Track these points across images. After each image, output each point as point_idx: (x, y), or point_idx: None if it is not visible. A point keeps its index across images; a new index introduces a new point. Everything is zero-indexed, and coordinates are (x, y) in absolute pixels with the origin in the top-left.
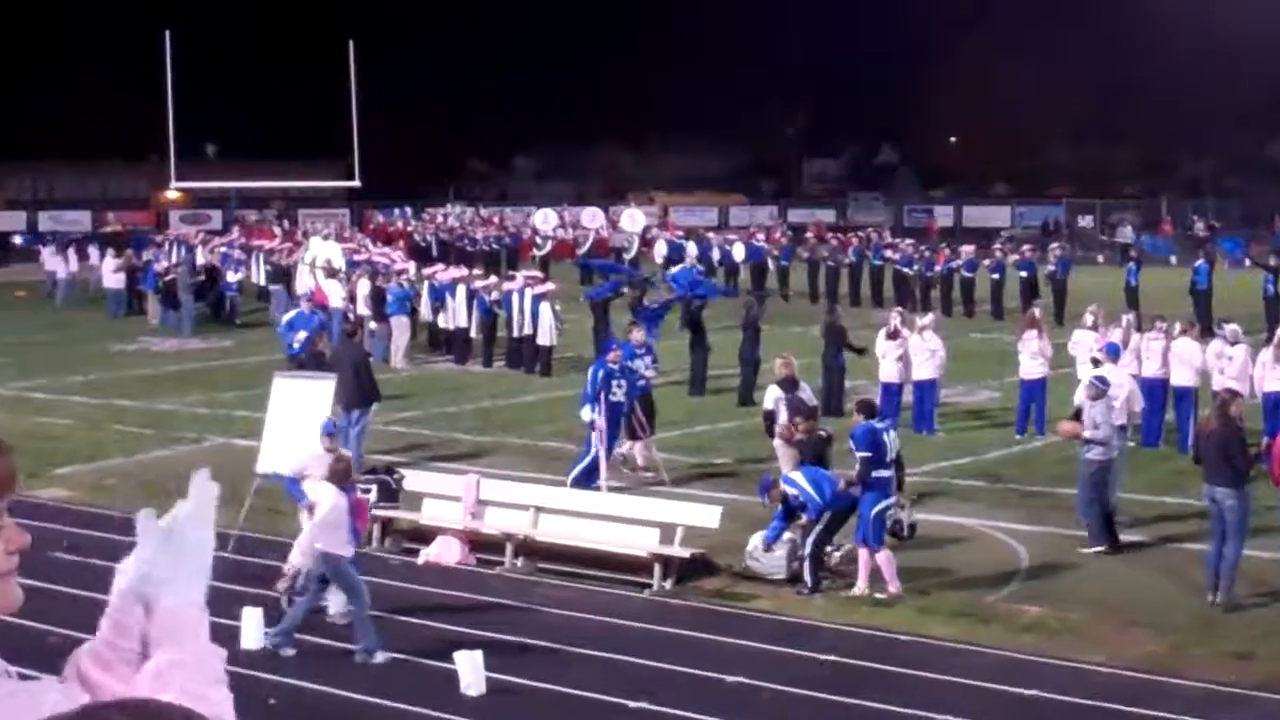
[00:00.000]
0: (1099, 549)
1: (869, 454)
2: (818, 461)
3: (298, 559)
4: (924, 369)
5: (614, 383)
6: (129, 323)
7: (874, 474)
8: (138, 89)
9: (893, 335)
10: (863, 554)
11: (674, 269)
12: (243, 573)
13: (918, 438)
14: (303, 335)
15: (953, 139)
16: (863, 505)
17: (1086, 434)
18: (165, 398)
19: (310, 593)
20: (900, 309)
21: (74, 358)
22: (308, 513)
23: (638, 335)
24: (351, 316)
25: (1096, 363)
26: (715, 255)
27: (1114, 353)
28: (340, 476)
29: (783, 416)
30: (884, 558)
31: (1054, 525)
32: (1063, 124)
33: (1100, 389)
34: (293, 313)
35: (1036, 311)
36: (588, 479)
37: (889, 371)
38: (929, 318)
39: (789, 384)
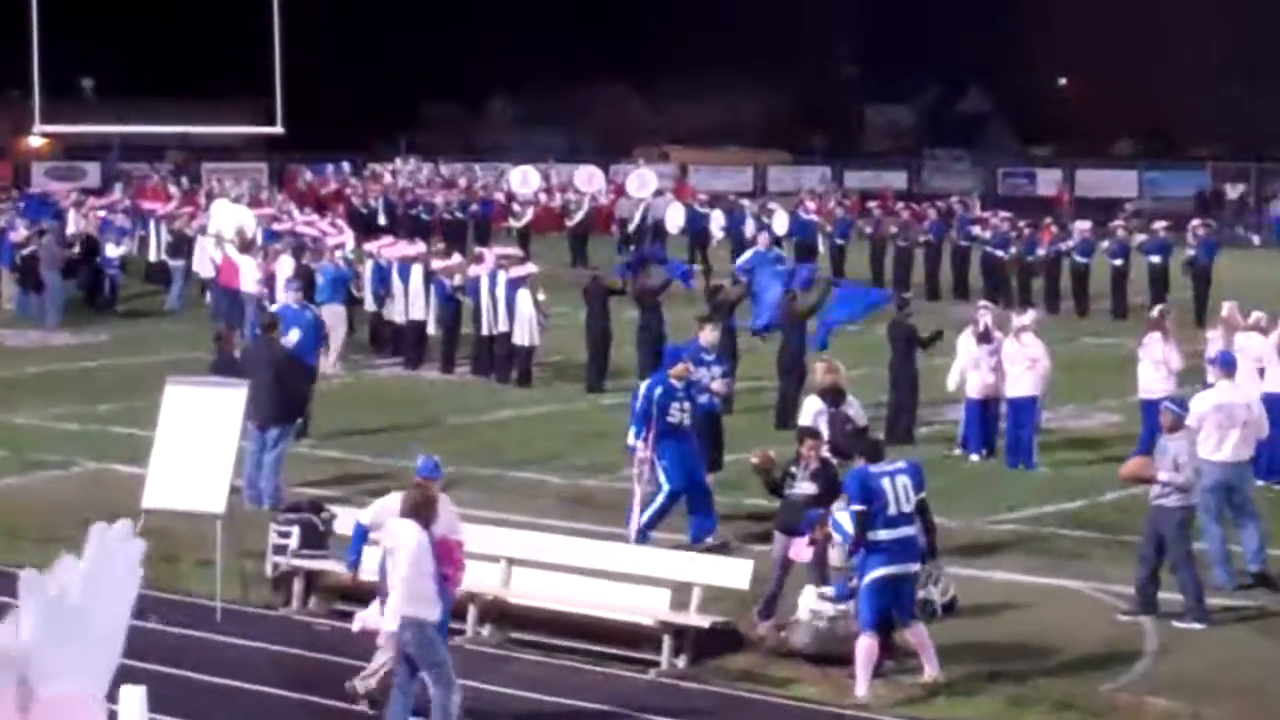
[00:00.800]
0: (1195, 624)
1: (863, 507)
2: (831, 497)
3: (387, 639)
4: (1021, 383)
5: (675, 404)
6: None
7: (870, 535)
8: None
9: (983, 338)
10: (866, 641)
11: (745, 256)
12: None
13: (1012, 473)
14: (296, 334)
15: (1062, 81)
16: (855, 572)
17: (1163, 477)
18: (22, 408)
19: (400, 684)
20: (987, 304)
21: None
22: (354, 573)
23: (709, 335)
24: (269, 305)
25: (1263, 373)
26: (749, 229)
27: (1227, 364)
28: (420, 508)
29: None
30: (916, 633)
31: None
32: (1206, 65)
33: (1178, 416)
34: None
35: (1161, 310)
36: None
37: (976, 385)
38: (1029, 315)
39: (833, 395)
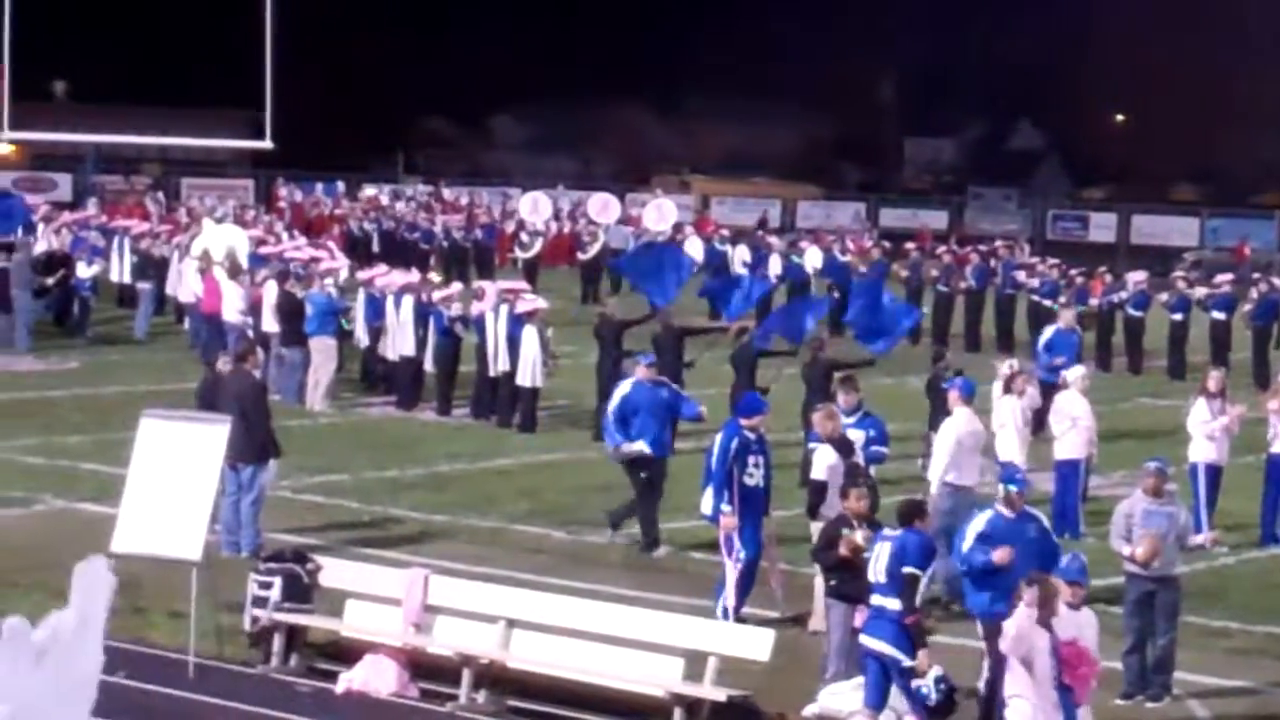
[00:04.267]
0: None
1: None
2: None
3: None
4: (1066, 444)
5: (751, 458)
6: None
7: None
8: None
9: (1012, 388)
10: None
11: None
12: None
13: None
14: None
15: (1119, 118)
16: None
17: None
18: None
19: None
20: (1010, 360)
21: None
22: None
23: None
24: (251, 334)
25: None
26: (775, 269)
27: None
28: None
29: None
30: None
31: (1259, 677)
32: (1275, 105)
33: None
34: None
35: (1217, 376)
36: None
37: (1010, 446)
38: (1078, 371)
39: (842, 445)
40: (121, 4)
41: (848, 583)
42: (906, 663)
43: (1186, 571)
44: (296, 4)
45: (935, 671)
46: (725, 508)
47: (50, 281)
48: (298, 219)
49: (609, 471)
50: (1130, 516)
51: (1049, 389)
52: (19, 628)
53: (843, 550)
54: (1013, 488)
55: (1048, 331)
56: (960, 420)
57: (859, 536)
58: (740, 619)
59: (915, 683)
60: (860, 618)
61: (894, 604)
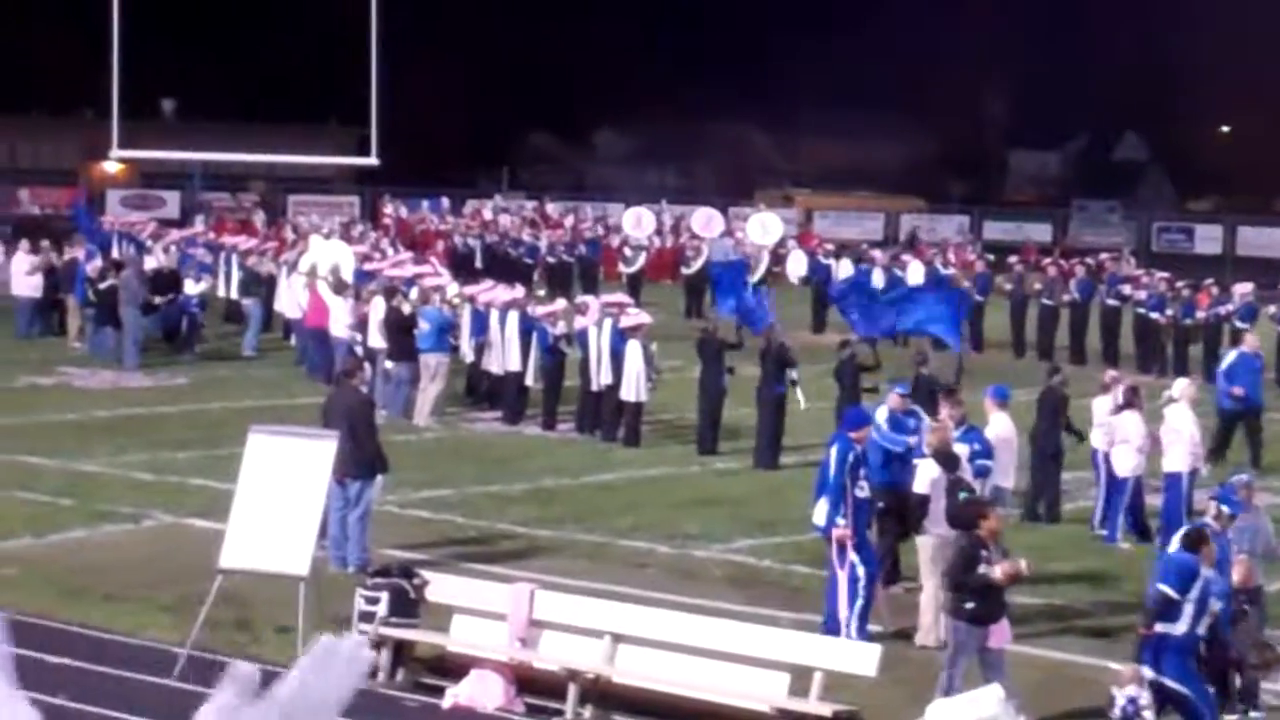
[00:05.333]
0: None
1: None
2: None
3: None
4: (1172, 457)
5: (862, 471)
6: (45, 345)
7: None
8: (69, 18)
9: (1127, 404)
10: None
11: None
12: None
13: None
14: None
15: (1224, 129)
16: (1192, 684)
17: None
18: (93, 455)
19: None
20: (1111, 373)
21: None
22: None
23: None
24: (359, 350)
25: None
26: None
27: None
28: None
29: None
30: None
31: None
32: None
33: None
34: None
35: None
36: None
37: (1125, 461)
38: (1184, 385)
39: (948, 459)
40: (228, 23)
41: (983, 606)
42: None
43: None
44: (401, 21)
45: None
46: (840, 520)
47: (158, 299)
48: (403, 235)
49: (712, 485)
50: None
51: (1232, 418)
52: (243, 678)
53: (999, 575)
54: (1225, 508)
55: (1230, 356)
56: (999, 424)
57: (1023, 565)
58: (865, 634)
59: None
60: (998, 637)
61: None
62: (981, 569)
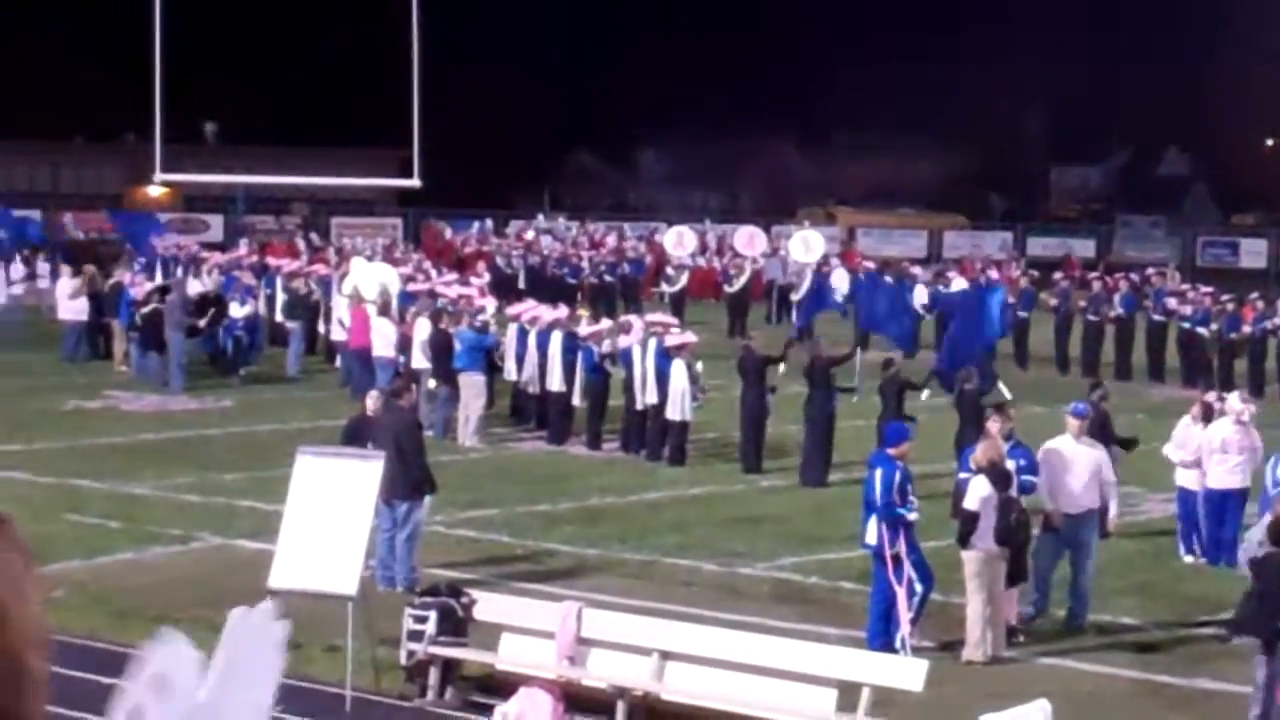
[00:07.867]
0: None
1: None
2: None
3: None
4: (1227, 473)
5: (910, 487)
6: (91, 369)
7: None
8: (110, 44)
9: (1206, 416)
10: None
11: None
12: None
13: (1212, 571)
14: None
15: (1269, 143)
16: None
17: None
18: (140, 478)
19: None
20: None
21: (13, 417)
22: None
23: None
24: (403, 371)
25: None
26: (921, 300)
27: None
28: None
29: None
30: None
31: None
32: None
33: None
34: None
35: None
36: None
37: (1191, 475)
38: (1237, 400)
39: (999, 476)
40: (269, 46)
41: None
42: None
43: None
44: (442, 43)
45: None
46: (896, 543)
47: (202, 322)
48: (447, 256)
49: (758, 503)
50: (1263, 544)
51: None
52: (158, 675)
53: None
54: None
55: None
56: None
57: None
58: (915, 649)
59: None
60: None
61: None
62: None
